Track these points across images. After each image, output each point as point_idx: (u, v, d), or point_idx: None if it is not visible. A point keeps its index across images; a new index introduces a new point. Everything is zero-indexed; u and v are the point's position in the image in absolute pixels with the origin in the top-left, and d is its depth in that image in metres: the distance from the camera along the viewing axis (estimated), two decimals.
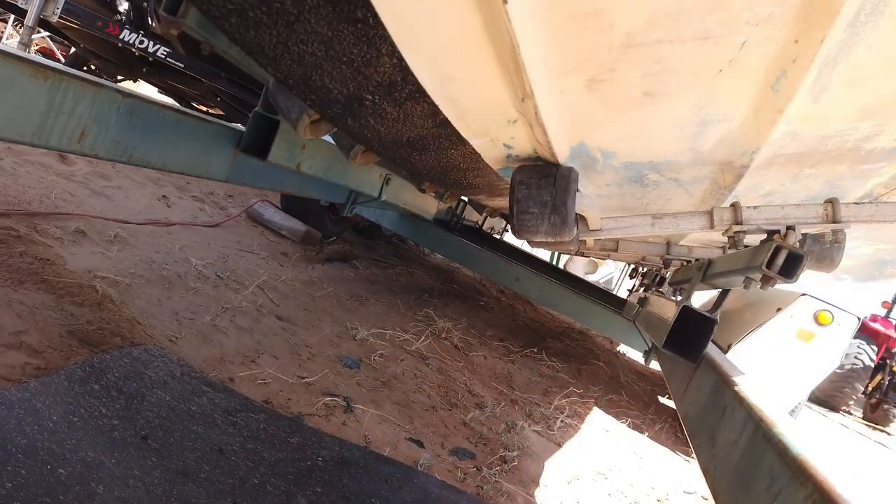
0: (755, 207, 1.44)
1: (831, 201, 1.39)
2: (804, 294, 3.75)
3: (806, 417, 8.53)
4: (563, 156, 1.30)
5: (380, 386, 2.69)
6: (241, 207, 4.89)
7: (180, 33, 5.00)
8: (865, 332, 10.59)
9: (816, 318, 3.68)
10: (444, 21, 0.79)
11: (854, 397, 10.83)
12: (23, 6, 4.97)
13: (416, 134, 1.21)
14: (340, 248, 5.16)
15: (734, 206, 1.46)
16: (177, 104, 8.17)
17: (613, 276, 12.11)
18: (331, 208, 5.06)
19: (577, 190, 1.35)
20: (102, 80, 1.67)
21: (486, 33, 0.82)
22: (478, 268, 4.94)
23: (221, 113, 8.06)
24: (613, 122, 1.20)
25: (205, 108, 8.23)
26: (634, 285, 6.00)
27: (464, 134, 1.22)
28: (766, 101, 1.08)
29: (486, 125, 1.18)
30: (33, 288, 2.00)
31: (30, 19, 4.93)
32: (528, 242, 1.63)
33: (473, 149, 1.32)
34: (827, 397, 10.70)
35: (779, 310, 3.79)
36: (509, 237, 8.47)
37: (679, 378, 2.13)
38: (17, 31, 11.57)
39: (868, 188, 1.77)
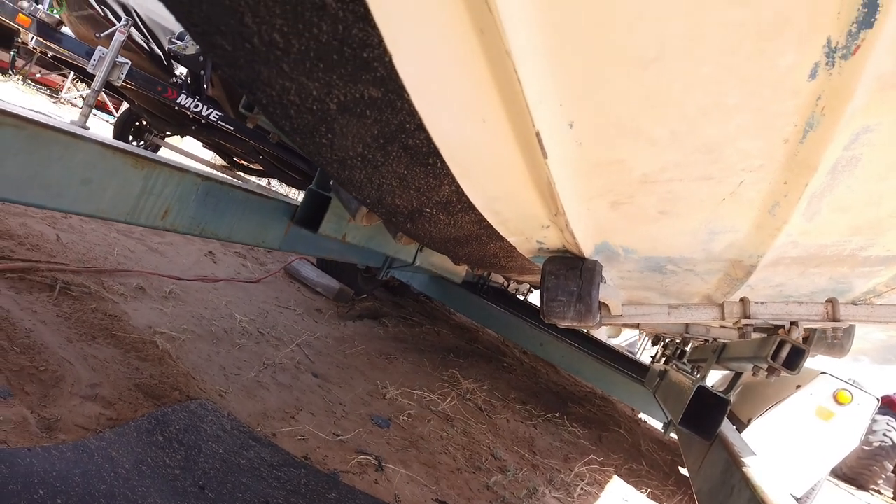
0: (762, 303, 1.60)
1: (831, 301, 1.54)
2: (824, 372, 3.83)
3: (828, 496, 8.33)
4: (588, 251, 1.48)
5: (408, 446, 2.82)
6: (279, 264, 5.13)
7: (234, 106, 5.35)
8: (894, 409, 10.38)
9: (836, 397, 3.74)
10: (495, 164, 0.99)
11: (883, 476, 10.53)
12: (91, 71, 5.40)
13: (461, 234, 1.41)
14: (371, 306, 5.36)
15: (743, 301, 1.61)
16: (229, 172, 8.56)
17: (637, 340, 12.10)
18: (364, 267, 5.29)
19: (601, 281, 1.52)
20: (186, 166, 1.91)
21: (529, 174, 1.02)
22: (503, 331, 5.08)
23: (261, 168, 8.46)
24: (633, 230, 1.38)
25: (245, 163, 8.66)
26: (657, 353, 6.07)
27: (503, 234, 1.41)
28: (765, 221, 1.25)
29: (523, 229, 1.38)
30: (104, 343, 2.21)
31: (97, 83, 5.37)
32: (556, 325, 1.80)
33: (510, 244, 1.52)
34: (855, 475, 10.42)
35: (798, 387, 3.86)
36: (533, 297, 8.61)
37: (694, 454, 2.24)
38: (75, 85, 12.31)
39: (871, 285, 1.91)
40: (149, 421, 1.87)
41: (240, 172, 8.88)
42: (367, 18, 0.62)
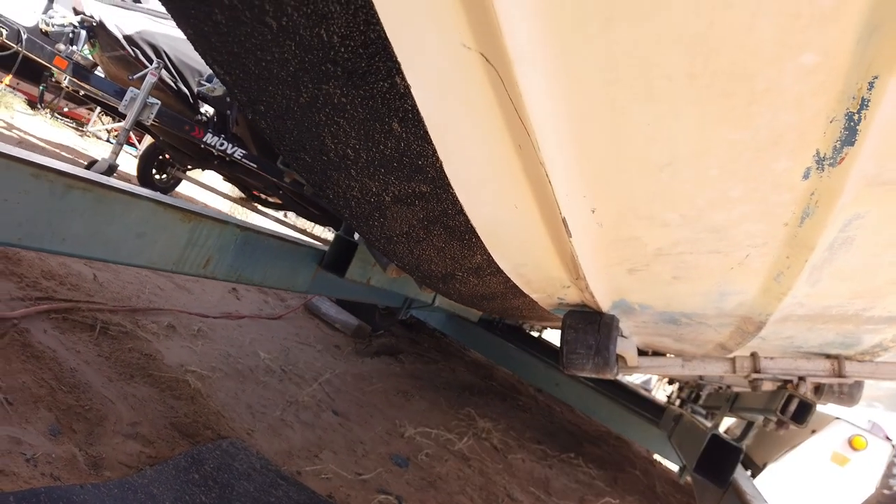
0: (771, 359, 1.69)
1: (837, 358, 1.62)
2: (839, 418, 3.86)
3: None
4: (605, 306, 1.59)
5: (427, 486, 2.89)
6: (299, 300, 5.26)
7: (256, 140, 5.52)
8: None
9: (851, 443, 3.76)
10: (524, 239, 1.10)
11: None
12: (123, 110, 5.63)
13: (488, 292, 1.52)
14: (388, 342, 5.46)
15: (753, 356, 1.70)
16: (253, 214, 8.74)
17: (652, 377, 12.06)
18: (383, 305, 5.39)
19: (618, 335, 1.62)
20: (226, 217, 2.04)
21: (554, 247, 1.13)
22: (518, 370, 5.14)
23: (279, 202, 8.64)
24: (649, 291, 1.48)
25: (264, 196, 8.85)
26: (672, 393, 6.09)
27: (526, 292, 1.52)
28: (771, 286, 1.35)
29: (545, 288, 1.48)
30: (141, 382, 2.32)
31: (128, 122, 5.58)
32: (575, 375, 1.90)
33: (532, 299, 1.62)
34: None
35: (814, 432, 3.89)
36: (548, 335, 8.65)
37: (708, 499, 2.30)
38: (100, 119, 12.67)
39: (878, 340, 1.99)
40: (185, 459, 1.97)
41: (257, 205, 9.08)
42: (425, 138, 0.74)
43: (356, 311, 5.30)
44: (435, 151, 0.77)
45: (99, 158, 5.55)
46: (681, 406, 4.04)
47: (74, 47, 5.79)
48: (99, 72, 6.25)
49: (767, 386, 1.92)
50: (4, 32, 5.36)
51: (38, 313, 2.32)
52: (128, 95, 5.49)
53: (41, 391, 1.91)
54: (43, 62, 5.53)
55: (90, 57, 5.82)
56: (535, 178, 0.85)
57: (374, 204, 0.89)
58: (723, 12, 0.59)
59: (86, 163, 5.78)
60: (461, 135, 0.76)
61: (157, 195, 1.72)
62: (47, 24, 5.74)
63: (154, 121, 5.75)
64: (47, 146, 6.64)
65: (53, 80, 6.55)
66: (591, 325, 1.66)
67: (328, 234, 10.45)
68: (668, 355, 3.65)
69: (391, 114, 0.70)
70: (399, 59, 0.62)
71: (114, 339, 2.52)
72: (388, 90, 0.66)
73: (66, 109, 11.67)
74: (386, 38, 0.59)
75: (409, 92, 0.67)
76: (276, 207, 9.14)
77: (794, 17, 0.60)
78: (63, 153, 6.83)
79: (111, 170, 5.25)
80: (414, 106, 0.69)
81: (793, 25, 0.61)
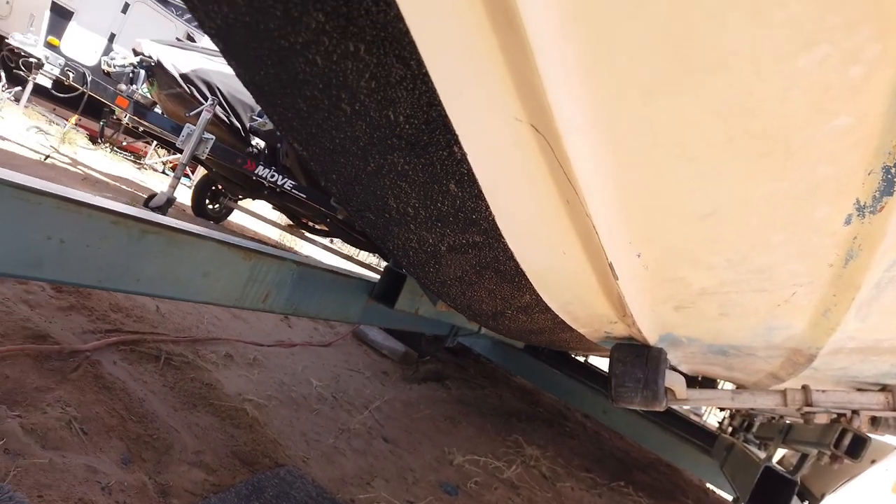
0: (823, 391, 1.68)
1: (890, 390, 1.60)
2: None
3: None
4: (653, 340, 1.61)
5: None
6: (348, 327, 5.37)
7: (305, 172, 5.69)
8: None
9: None
10: (572, 281, 1.15)
11: None
12: (180, 146, 5.89)
13: (536, 327, 1.57)
14: (434, 368, 5.50)
15: (805, 388, 1.69)
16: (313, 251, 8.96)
17: None
18: None
19: (666, 367, 1.64)
20: (284, 254, 2.15)
21: (601, 288, 1.17)
22: (566, 397, 5.12)
23: (326, 229, 8.84)
24: (696, 326, 1.51)
25: (311, 224, 9.07)
26: (724, 420, 5.95)
27: (573, 327, 1.56)
28: (819, 321, 1.36)
29: (593, 324, 1.52)
30: (203, 411, 2.43)
31: (185, 157, 5.84)
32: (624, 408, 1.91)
33: (580, 333, 1.66)
34: None
35: (874, 461, 3.76)
36: (594, 360, 8.55)
37: None
38: (157, 152, 13.21)
39: None
40: (246, 487, 2.05)
41: (304, 232, 9.29)
42: (479, 196, 0.81)
43: (403, 337, 5.37)
44: (488, 207, 0.83)
45: (157, 192, 5.81)
46: (733, 434, 3.96)
47: (134, 86, 6.11)
48: (157, 109, 6.58)
49: (821, 418, 1.90)
50: (72, 75, 5.70)
51: (107, 346, 2.46)
52: (184, 131, 5.75)
53: (112, 421, 2.03)
54: (106, 102, 5.85)
55: (149, 95, 6.13)
56: (582, 228, 0.90)
57: (431, 253, 0.96)
58: (757, 86, 0.64)
59: (145, 196, 6.06)
60: (512, 192, 0.82)
61: (222, 236, 1.83)
62: (109, 66, 6.07)
63: (208, 155, 6.00)
64: (109, 180, 6.98)
65: (114, 116, 6.91)
66: (638, 358, 1.68)
67: (373, 259, 10.61)
68: (719, 383, 3.61)
69: (448, 177, 0.77)
70: (457, 132, 0.69)
71: (177, 370, 2.65)
72: (447, 158, 0.73)
73: (124, 143, 12.23)
74: (445, 116, 0.66)
75: (466, 158, 0.73)
76: (324, 234, 9.35)
77: (824, 89, 0.65)
78: (123, 186, 7.16)
79: (169, 203, 5.50)
80: (469, 170, 0.75)
81: (824, 95, 0.65)
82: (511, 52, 0.58)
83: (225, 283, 1.88)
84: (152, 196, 5.52)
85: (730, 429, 4.56)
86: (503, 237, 0.92)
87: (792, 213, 0.88)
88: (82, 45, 8.50)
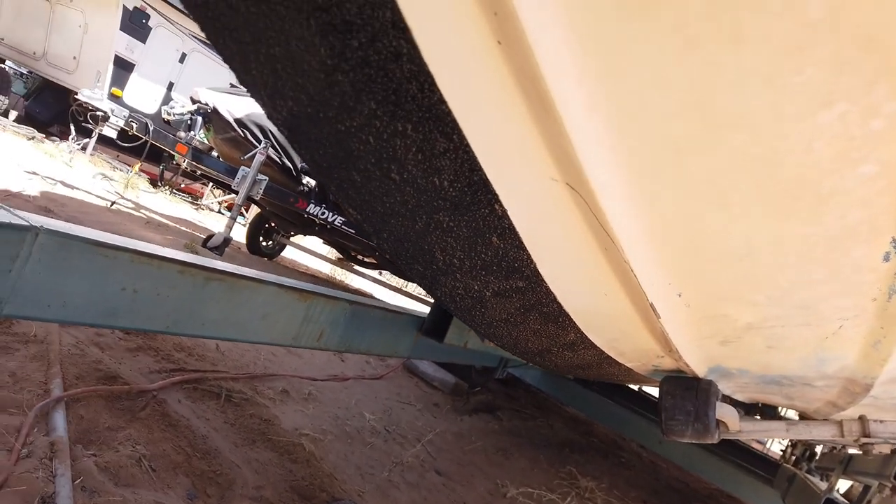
0: (881, 422, 1.64)
1: None
2: None
3: None
4: (702, 372, 1.61)
5: None
6: (398, 359, 5.43)
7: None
8: None
9: None
10: (615, 319, 1.18)
11: None
12: (235, 188, 6.13)
13: (583, 362, 1.59)
14: (485, 399, 5.50)
15: (861, 419, 1.66)
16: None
17: None
18: None
19: (717, 399, 1.64)
20: (337, 293, 2.23)
21: (644, 325, 1.20)
22: (619, 427, 5.04)
23: (375, 262, 8.99)
24: (744, 358, 1.51)
25: (360, 257, 9.24)
26: (787, 448, 5.73)
27: (620, 361, 1.58)
28: (870, 353, 1.35)
29: (639, 358, 1.54)
30: (262, 446, 2.52)
31: (240, 199, 6.06)
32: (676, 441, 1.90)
33: (627, 367, 1.67)
34: None
35: None
36: (648, 388, 8.37)
37: None
38: (213, 193, 13.70)
39: None
40: None
41: (354, 265, 9.44)
42: (521, 247, 0.86)
43: (453, 369, 5.40)
44: (529, 256, 0.88)
45: (215, 232, 6.04)
46: (795, 464, 3.83)
47: (192, 132, 6.42)
48: (213, 153, 6.88)
49: (883, 449, 1.85)
50: (135, 126, 6.05)
51: (172, 385, 2.58)
52: (240, 174, 5.99)
53: (178, 458, 2.13)
54: (167, 149, 6.16)
55: (206, 140, 6.43)
56: (621, 273, 0.94)
57: (476, 298, 1.01)
58: (780, 141, 0.68)
59: (203, 236, 6.31)
60: (552, 242, 0.87)
61: (279, 279, 1.92)
62: (169, 114, 6.40)
63: (262, 195, 6.22)
64: (169, 222, 7.30)
65: (174, 161, 7.25)
66: (688, 391, 1.68)
67: (421, 290, 10.69)
68: (781, 409, 3.49)
69: (491, 231, 0.82)
70: (497, 192, 0.74)
71: (237, 406, 2.75)
72: (489, 214, 0.78)
73: (182, 185, 12.75)
74: (486, 179, 0.72)
75: (507, 214, 0.79)
76: (373, 267, 9.50)
77: (847, 140, 0.68)
78: (182, 227, 7.47)
79: (226, 242, 5.72)
80: (510, 224, 0.81)
81: (848, 146, 0.69)
82: (544, 123, 0.63)
83: (282, 324, 1.96)
84: (210, 236, 5.75)
85: (792, 458, 4.41)
86: (545, 282, 0.97)
87: (829, 253, 0.90)
88: (143, 95, 8.99)
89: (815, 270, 0.96)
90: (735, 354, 1.47)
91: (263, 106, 0.62)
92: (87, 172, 7.71)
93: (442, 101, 0.59)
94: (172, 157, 7.00)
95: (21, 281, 1.24)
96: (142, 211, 6.71)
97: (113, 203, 5.48)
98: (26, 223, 1.21)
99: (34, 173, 5.45)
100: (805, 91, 0.62)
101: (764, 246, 0.88)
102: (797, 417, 2.39)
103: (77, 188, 5.79)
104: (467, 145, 0.66)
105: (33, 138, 7.91)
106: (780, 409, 4.31)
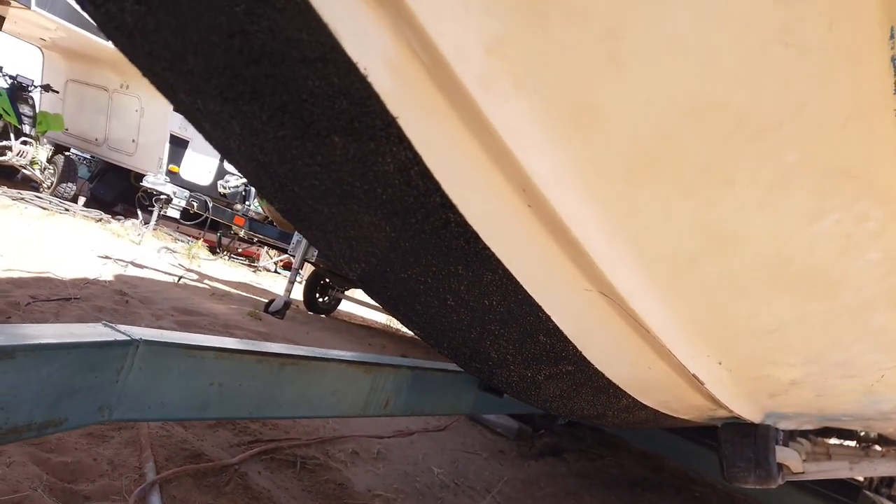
0: None
1: None
2: None
3: None
4: (758, 419, 1.66)
5: None
6: None
7: None
8: None
9: None
10: (663, 386, 1.27)
11: None
12: (291, 252, 6.38)
13: (639, 420, 1.66)
14: (550, 442, 5.50)
15: None
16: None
17: None
18: None
19: (778, 443, 1.68)
20: (399, 361, 2.36)
21: (691, 388, 1.28)
22: (689, 462, 4.95)
23: None
24: (796, 406, 1.55)
25: None
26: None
27: (676, 416, 1.64)
28: None
29: (693, 412, 1.60)
30: None
31: (296, 262, 6.31)
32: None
33: (683, 419, 1.73)
34: None
35: None
36: None
37: None
38: (269, 254, 14.17)
39: None
40: None
41: None
42: (566, 341, 0.96)
43: (516, 413, 5.44)
44: (575, 347, 0.99)
45: (276, 296, 6.30)
46: (875, 490, 3.70)
47: (248, 203, 6.76)
48: (268, 220, 7.21)
49: None
50: (196, 204, 6.43)
51: (251, 457, 2.74)
52: (294, 239, 6.27)
53: None
54: (226, 223, 6.51)
55: (260, 209, 6.76)
56: (662, 352, 1.03)
57: (530, 382, 1.12)
58: (783, 247, 0.77)
59: (264, 300, 6.58)
60: (594, 334, 0.97)
61: (346, 355, 2.06)
62: (224, 188, 6.77)
63: (317, 257, 6.47)
64: (231, 288, 7.63)
65: (232, 232, 7.62)
66: (747, 437, 1.72)
67: None
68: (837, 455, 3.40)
69: (538, 332, 0.93)
70: (540, 304, 0.86)
71: (311, 472, 2.88)
72: (534, 320, 0.90)
73: (240, 250, 13.24)
74: (529, 295, 0.83)
75: (550, 319, 0.90)
76: None
77: (846, 238, 0.77)
78: (243, 293, 7.79)
79: (286, 306, 5.95)
80: (555, 325, 0.92)
81: (847, 243, 0.78)
82: (573, 256, 0.75)
83: (351, 397, 2.09)
84: (271, 301, 5.99)
85: (874, 484, 4.25)
86: (592, 364, 1.07)
87: (853, 321, 0.97)
88: (198, 169, 9.47)
89: (843, 336, 1.03)
90: (787, 403, 1.52)
91: (339, 266, 0.75)
92: (152, 247, 8.16)
93: (486, 248, 0.71)
94: (230, 227, 7.37)
95: (126, 388, 1.40)
96: (205, 281, 7.05)
97: (179, 278, 5.80)
98: (128, 337, 1.37)
99: (107, 257, 5.84)
100: (797, 210, 0.72)
101: (790, 321, 0.97)
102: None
103: (146, 267, 6.15)
104: (510, 274, 0.77)
105: (100, 220, 8.42)
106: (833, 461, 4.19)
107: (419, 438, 4.31)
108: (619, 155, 0.61)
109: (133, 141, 9.83)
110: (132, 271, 5.74)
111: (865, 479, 5.19)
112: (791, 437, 1.95)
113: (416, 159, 0.58)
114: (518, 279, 0.78)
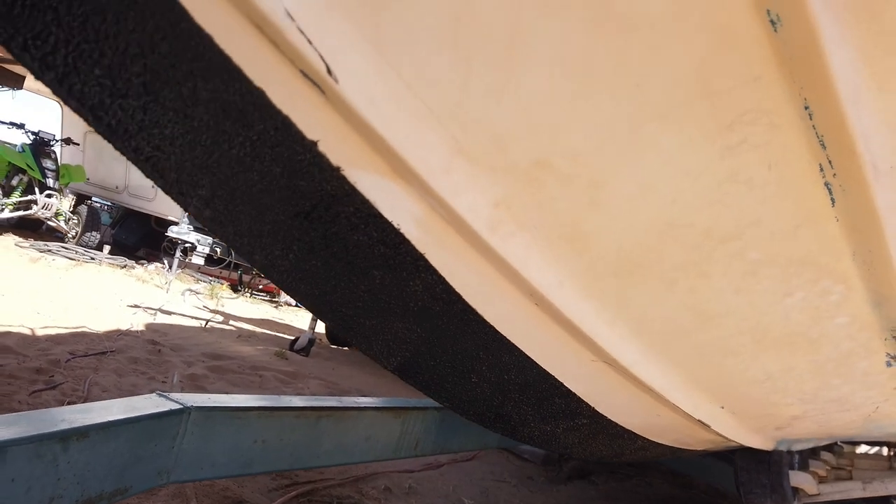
0: None
1: None
2: None
3: None
4: (770, 447, 1.75)
5: None
6: None
7: None
8: None
9: None
10: (674, 429, 1.37)
11: None
12: None
13: (656, 455, 1.76)
14: (577, 465, 5.55)
15: None
16: None
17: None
18: None
19: (793, 467, 1.77)
20: (426, 403, 2.47)
21: (702, 430, 1.38)
22: (718, 479, 4.97)
23: None
24: (804, 433, 1.65)
25: None
26: None
27: (691, 449, 1.74)
28: None
29: (708, 445, 1.70)
30: None
31: None
32: None
33: (700, 450, 1.83)
34: None
35: None
36: None
37: None
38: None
39: None
40: None
41: None
42: (579, 401, 1.08)
43: None
44: (588, 404, 1.11)
45: (300, 332, 6.44)
46: None
47: None
48: None
49: None
50: (219, 250, 6.64)
51: (289, 500, 2.85)
52: None
53: None
54: (248, 263, 6.69)
55: None
56: (667, 404, 1.15)
57: (550, 435, 1.23)
58: (762, 317, 0.89)
59: (289, 337, 6.72)
60: (605, 393, 1.09)
61: (374, 401, 2.19)
62: None
63: None
64: (255, 327, 7.80)
65: (253, 270, 7.80)
66: (761, 464, 1.81)
67: None
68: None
69: (553, 394, 1.05)
70: (552, 374, 0.98)
71: None
72: (548, 386, 1.02)
73: (261, 286, 13.43)
74: (544, 370, 0.96)
75: (563, 384, 1.02)
76: None
77: (814, 309, 0.88)
78: (267, 331, 7.95)
79: (311, 343, 6.08)
80: (568, 390, 1.04)
81: (817, 312, 0.89)
82: (579, 337, 0.87)
83: (383, 442, 2.21)
84: (296, 339, 6.13)
85: None
86: (605, 416, 1.18)
87: (837, 369, 1.08)
88: None
89: (831, 380, 1.14)
90: (794, 432, 1.62)
91: (379, 361, 0.89)
92: (177, 289, 8.37)
93: (503, 337, 0.84)
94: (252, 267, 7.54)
95: (181, 453, 1.53)
96: (230, 322, 7.22)
97: (206, 322, 5.97)
98: (181, 405, 1.51)
99: (136, 306, 6.03)
100: (768, 292, 0.83)
101: (779, 372, 1.08)
102: None
103: (173, 312, 6.34)
104: (525, 355, 0.90)
105: (125, 266, 8.66)
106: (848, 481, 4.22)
107: (449, 469, 4.40)
108: (608, 265, 0.74)
109: (152, 187, 10.13)
110: (161, 318, 5.92)
111: None
112: (813, 453, 2.03)
113: (441, 280, 0.71)
114: (532, 357, 0.91)
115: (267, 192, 0.55)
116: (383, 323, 0.78)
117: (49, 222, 9.55)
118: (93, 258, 8.68)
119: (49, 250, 8.31)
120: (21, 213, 9.02)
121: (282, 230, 0.61)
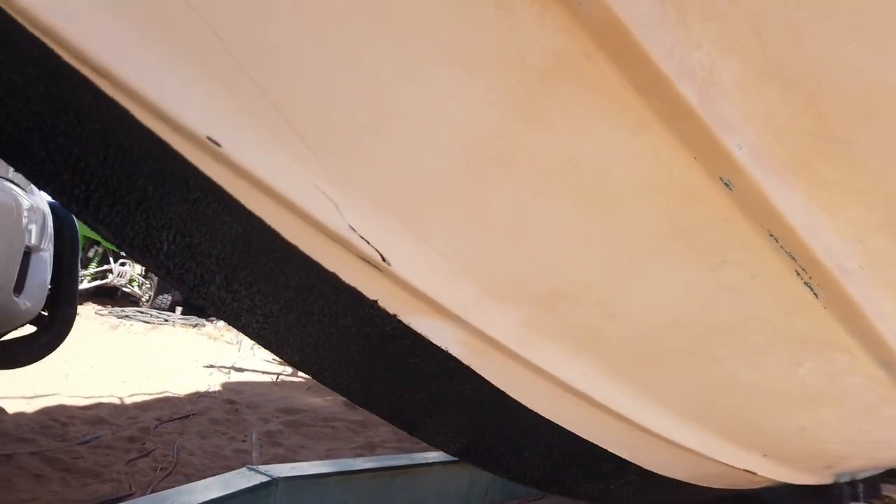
0: None
1: None
2: None
3: None
4: (828, 481, 1.79)
5: None
6: None
7: None
8: None
9: None
10: (725, 477, 1.46)
11: None
12: None
13: (713, 496, 1.83)
14: None
15: None
16: None
17: None
18: None
19: (856, 500, 1.80)
20: None
21: (752, 477, 1.46)
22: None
23: None
24: (856, 467, 1.69)
25: None
26: None
27: (748, 488, 1.80)
28: None
29: (764, 485, 1.76)
30: None
31: None
32: None
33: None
34: None
35: None
36: None
37: None
38: None
39: None
40: None
41: None
42: (625, 462, 1.19)
43: None
44: (635, 464, 1.22)
45: None
46: None
47: None
48: None
49: None
50: None
51: None
52: None
53: None
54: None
55: None
56: (708, 459, 1.24)
57: (604, 492, 1.34)
58: (783, 384, 0.99)
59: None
60: (649, 454, 1.20)
61: (441, 457, 2.31)
62: None
63: None
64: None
65: None
66: (822, 498, 1.85)
67: None
68: None
69: (601, 459, 1.17)
70: (596, 443, 1.10)
71: None
72: (595, 454, 1.14)
73: None
74: (586, 440, 1.08)
75: (608, 450, 1.14)
76: None
77: (827, 374, 0.98)
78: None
79: None
80: (614, 455, 1.15)
81: (831, 376, 0.99)
82: (612, 413, 0.99)
83: (453, 494, 2.33)
84: None
85: None
86: (653, 471, 1.29)
87: (865, 417, 1.16)
88: None
89: (863, 426, 1.21)
90: (847, 466, 1.67)
91: (440, 448, 1.03)
92: (247, 344, 8.74)
93: (546, 420, 0.97)
94: None
95: None
96: (299, 374, 7.50)
97: (277, 376, 6.25)
98: (269, 477, 1.68)
99: (211, 366, 6.36)
100: (779, 364, 0.94)
101: (811, 424, 1.17)
102: None
103: (245, 370, 6.65)
104: (567, 431, 1.03)
105: (196, 325, 9.11)
106: None
107: None
108: (627, 355, 0.87)
109: None
110: (235, 377, 6.22)
111: None
112: (884, 477, 2.04)
113: (486, 382, 0.85)
114: (574, 432, 1.03)
115: (344, 338, 0.71)
116: (442, 419, 0.92)
117: (124, 289, 10.11)
118: (166, 320, 9.14)
119: (126, 316, 8.80)
120: (98, 282, 9.60)
121: (356, 363, 0.77)
